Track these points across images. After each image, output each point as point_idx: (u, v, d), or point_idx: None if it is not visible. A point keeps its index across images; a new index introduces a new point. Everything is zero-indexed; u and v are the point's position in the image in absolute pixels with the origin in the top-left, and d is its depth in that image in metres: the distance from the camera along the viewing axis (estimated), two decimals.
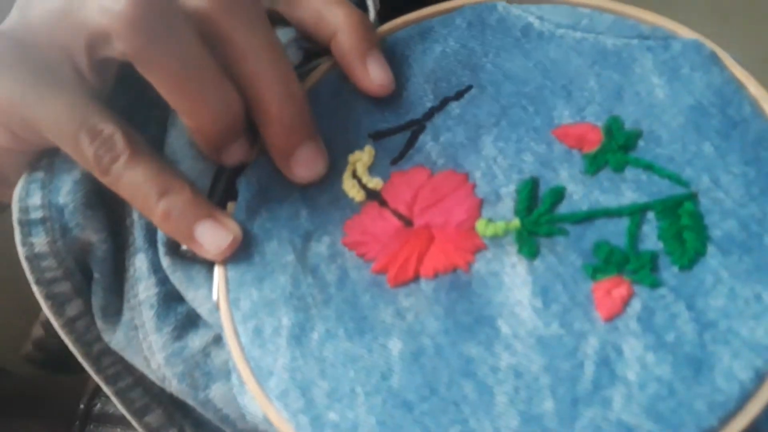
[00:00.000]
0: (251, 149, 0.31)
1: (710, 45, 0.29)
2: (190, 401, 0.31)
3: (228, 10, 0.27)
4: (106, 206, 0.31)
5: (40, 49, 0.28)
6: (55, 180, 0.30)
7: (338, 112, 0.32)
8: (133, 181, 0.28)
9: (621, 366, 0.26)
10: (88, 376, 0.31)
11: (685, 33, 0.30)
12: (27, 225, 0.30)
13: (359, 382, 0.27)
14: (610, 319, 0.26)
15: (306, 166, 0.30)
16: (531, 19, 0.32)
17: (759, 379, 0.25)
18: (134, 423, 0.31)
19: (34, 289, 0.30)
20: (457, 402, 0.26)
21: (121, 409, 0.32)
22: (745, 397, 0.25)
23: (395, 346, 0.28)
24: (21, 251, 0.30)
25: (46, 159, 0.30)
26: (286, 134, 0.29)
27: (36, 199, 0.30)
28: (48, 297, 0.31)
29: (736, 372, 0.25)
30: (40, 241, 0.30)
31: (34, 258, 0.30)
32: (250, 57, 0.28)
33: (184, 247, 0.31)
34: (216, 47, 0.28)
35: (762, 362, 0.25)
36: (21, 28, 0.28)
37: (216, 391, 0.30)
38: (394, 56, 0.32)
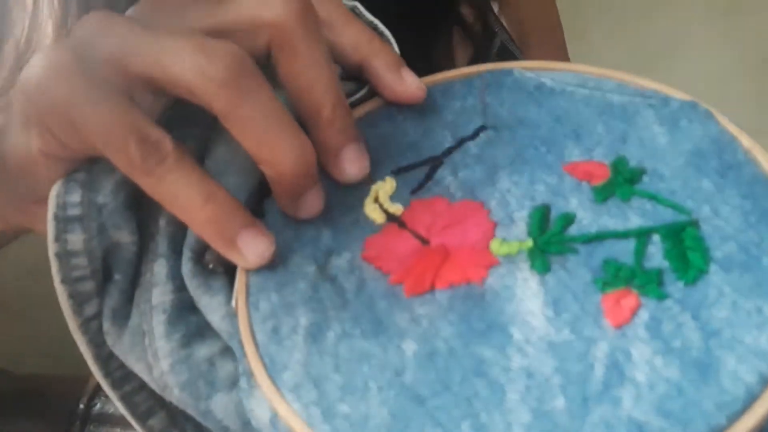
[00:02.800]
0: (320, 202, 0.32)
1: (705, 105, 0.32)
2: (191, 411, 0.30)
3: (300, 24, 0.30)
4: (140, 210, 0.32)
5: (97, 63, 0.30)
6: (97, 180, 0.31)
7: None
8: (177, 183, 0.29)
9: (630, 368, 0.26)
10: (88, 376, 0.31)
11: (682, 96, 0.33)
12: (63, 221, 0.31)
13: (373, 378, 0.27)
14: (619, 327, 0.27)
15: (354, 163, 0.32)
16: (544, 79, 0.35)
17: (764, 382, 0.25)
18: (137, 426, 0.31)
19: (58, 287, 0.31)
20: (469, 398, 0.27)
21: (125, 414, 0.31)
22: (752, 398, 0.25)
23: (409, 347, 0.28)
24: (52, 248, 0.30)
25: (86, 164, 0.32)
26: (337, 134, 0.31)
27: (75, 197, 0.31)
28: (71, 296, 0.31)
29: (741, 375, 0.26)
30: (76, 238, 0.31)
31: (65, 255, 0.31)
32: (312, 66, 0.30)
33: (207, 257, 0.32)
34: (280, 54, 0.30)
35: (766, 367, 0.26)
36: (81, 44, 0.30)
37: (218, 402, 0.30)
38: (417, 108, 0.35)
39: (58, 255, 0.30)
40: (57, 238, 0.30)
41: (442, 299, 0.29)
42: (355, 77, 0.36)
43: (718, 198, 0.30)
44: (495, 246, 0.30)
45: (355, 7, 0.37)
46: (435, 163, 0.33)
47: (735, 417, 0.25)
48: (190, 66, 0.28)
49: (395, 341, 0.28)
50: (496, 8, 0.58)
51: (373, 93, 0.36)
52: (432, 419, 0.26)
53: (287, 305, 0.29)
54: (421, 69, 0.35)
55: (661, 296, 0.28)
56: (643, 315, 0.28)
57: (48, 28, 0.45)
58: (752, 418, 0.25)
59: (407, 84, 0.34)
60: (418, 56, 0.37)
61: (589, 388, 0.26)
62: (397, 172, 0.33)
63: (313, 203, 0.31)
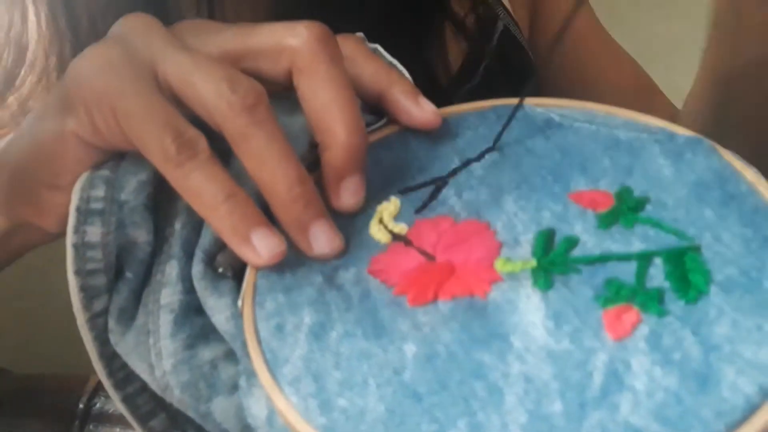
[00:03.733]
0: (339, 241, 0.32)
1: (709, 142, 0.34)
2: (191, 413, 0.30)
3: (321, 49, 0.32)
4: (158, 213, 0.33)
5: (139, 62, 0.32)
6: (120, 179, 0.33)
7: (374, 172, 0.35)
8: (203, 179, 0.30)
9: (629, 377, 0.26)
10: (89, 376, 0.31)
11: (687, 133, 0.34)
12: (85, 213, 0.32)
13: (372, 375, 0.28)
14: (619, 339, 0.28)
15: (353, 194, 0.33)
16: (552, 115, 0.36)
17: (764, 395, 0.25)
18: (138, 427, 0.31)
19: (71, 279, 0.31)
20: (467, 397, 0.27)
21: (126, 415, 0.31)
22: (751, 409, 0.25)
23: (410, 349, 0.28)
24: (71, 239, 0.32)
25: (112, 161, 0.33)
26: (346, 160, 0.32)
27: (99, 192, 0.32)
28: (82, 288, 0.32)
29: (741, 386, 0.25)
30: (94, 230, 0.32)
31: (81, 246, 0.32)
32: (330, 87, 0.32)
33: (218, 260, 0.32)
34: (300, 76, 0.32)
35: (766, 380, 0.26)
36: (125, 42, 0.33)
37: (217, 405, 0.30)
38: (430, 135, 0.37)
39: (75, 246, 0.31)
40: (76, 230, 0.32)
41: (444, 309, 0.30)
42: (374, 112, 0.37)
43: (719, 226, 0.30)
44: (499, 264, 0.31)
45: (376, 48, 0.39)
46: (439, 183, 0.34)
47: (734, 426, 0.25)
48: (214, 90, 0.31)
49: (396, 343, 0.29)
50: None
51: (389, 124, 0.37)
52: (428, 416, 0.26)
53: (293, 305, 0.30)
54: (415, 70, 0.37)
55: (662, 313, 0.28)
56: (644, 329, 0.28)
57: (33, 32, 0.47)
58: (751, 428, 0.25)
59: (424, 110, 0.35)
60: (411, 57, 0.38)
61: (587, 394, 0.26)
62: (403, 192, 0.34)
63: (324, 239, 0.32)
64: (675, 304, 0.28)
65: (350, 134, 0.32)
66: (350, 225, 0.33)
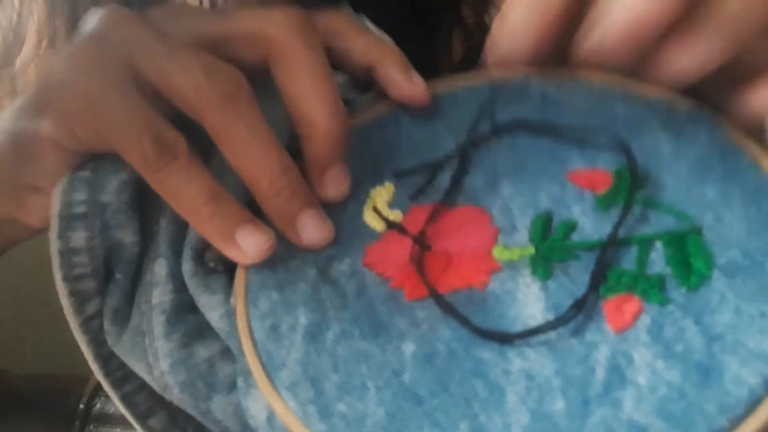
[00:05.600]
0: (329, 230, 0.32)
1: (711, 111, 0.32)
2: (191, 410, 0.30)
3: (298, 38, 0.31)
4: (142, 211, 0.32)
5: (113, 61, 0.31)
6: (102, 179, 0.32)
7: (366, 154, 0.34)
8: (184, 182, 0.30)
9: (631, 371, 0.26)
10: (89, 376, 0.31)
11: (689, 103, 0.33)
12: (67, 219, 0.31)
13: (371, 377, 0.27)
14: (621, 331, 0.27)
15: (336, 184, 0.32)
16: (549, 89, 0.35)
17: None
18: (138, 426, 0.31)
19: (59, 285, 0.31)
20: (468, 398, 0.26)
21: (126, 414, 0.31)
22: (755, 401, 0.25)
23: (408, 348, 0.28)
24: (55, 245, 0.31)
25: (92, 162, 0.32)
26: (328, 149, 0.31)
27: (81, 195, 0.31)
28: (72, 293, 0.31)
29: (744, 378, 0.25)
30: (79, 235, 0.31)
31: (67, 252, 0.31)
32: (308, 77, 0.31)
33: (208, 256, 0.32)
34: (277, 66, 0.31)
35: None
36: (98, 39, 0.31)
37: (217, 403, 0.30)
38: (424, 113, 0.35)
39: (60, 252, 0.31)
40: (60, 236, 0.31)
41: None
42: (362, 86, 0.36)
43: (721, 205, 0.30)
44: (497, 252, 0.30)
45: (363, 20, 0.37)
46: (435, 167, 0.33)
47: (737, 420, 0.25)
48: (192, 83, 0.30)
49: (394, 342, 0.28)
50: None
51: (378, 101, 0.36)
52: (430, 419, 0.26)
53: (287, 304, 0.29)
54: (422, 69, 0.36)
55: (663, 301, 0.28)
56: (645, 320, 0.27)
57: (32, 24, 0.46)
58: (756, 421, 0.25)
59: (415, 84, 0.34)
60: (420, 56, 0.37)
61: (590, 390, 0.26)
62: (397, 175, 0.34)
63: (312, 228, 0.31)
64: (676, 292, 0.28)
65: (329, 125, 0.31)
66: (343, 212, 0.32)
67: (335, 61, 0.36)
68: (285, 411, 0.27)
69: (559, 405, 0.26)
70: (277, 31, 0.31)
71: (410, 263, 0.31)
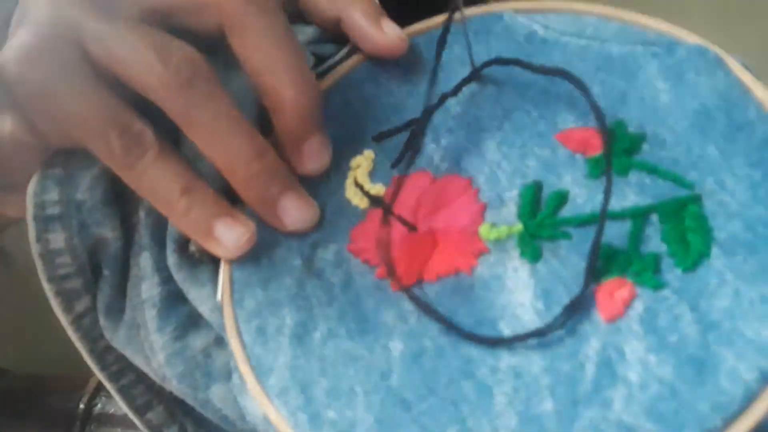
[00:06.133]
0: (313, 211, 0.30)
1: (715, 50, 0.29)
2: (190, 401, 0.31)
3: (250, 1, 0.28)
4: (119, 204, 0.32)
5: (60, 48, 0.28)
6: (73, 176, 0.31)
7: (344, 118, 0.32)
8: (157, 176, 0.28)
9: (622, 367, 0.25)
10: (89, 376, 0.31)
11: (691, 39, 0.30)
12: (43, 221, 0.30)
13: (359, 381, 0.27)
14: (612, 320, 0.26)
15: (315, 158, 0.30)
16: (536, 27, 0.32)
17: (764, 380, 0.24)
18: (136, 420, 0.32)
19: (45, 286, 0.31)
20: (456, 401, 0.26)
21: (123, 407, 0.32)
22: (750, 398, 0.24)
23: (396, 347, 0.27)
24: (35, 248, 0.30)
25: (62, 157, 0.31)
26: (300, 122, 0.29)
27: (53, 195, 0.30)
28: (59, 293, 0.31)
29: (740, 373, 0.24)
30: (57, 237, 0.30)
31: (48, 254, 0.30)
32: (268, 45, 0.28)
33: (192, 247, 0.31)
34: (232, 35, 0.29)
35: (767, 362, 0.24)
36: (40, 26, 0.29)
37: (216, 392, 0.30)
38: (400, 63, 0.33)
39: (41, 255, 0.30)
40: (38, 239, 0.30)
41: (430, 293, 0.28)
42: (332, 39, 0.33)
43: (724, 167, 0.27)
44: (484, 231, 0.29)
45: None
46: (415, 127, 0.31)
47: (731, 419, 0.24)
48: (145, 68, 0.28)
49: (382, 341, 0.28)
50: None
51: (353, 55, 0.33)
52: (418, 425, 0.26)
53: (273, 303, 0.29)
54: None
55: (658, 286, 0.26)
56: (638, 307, 0.26)
57: None
58: (749, 419, 0.24)
59: (388, 35, 0.32)
60: None
61: (579, 389, 0.25)
62: (377, 139, 0.32)
63: (295, 212, 0.30)
64: (672, 273, 0.26)
65: (298, 95, 0.29)
66: (324, 187, 0.31)
67: (304, 12, 0.33)
68: (278, 419, 0.27)
69: (547, 406, 0.25)
70: (228, 2, 0.28)
71: (397, 247, 0.29)
